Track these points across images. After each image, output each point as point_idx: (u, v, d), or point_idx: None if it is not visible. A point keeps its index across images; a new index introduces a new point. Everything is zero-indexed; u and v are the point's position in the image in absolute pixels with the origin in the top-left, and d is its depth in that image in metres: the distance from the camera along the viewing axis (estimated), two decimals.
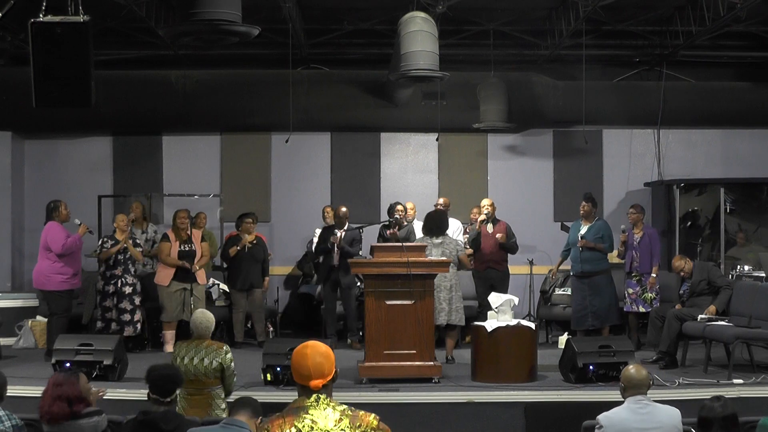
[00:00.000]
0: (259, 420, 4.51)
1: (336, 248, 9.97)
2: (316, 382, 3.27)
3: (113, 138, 12.25)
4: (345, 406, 3.29)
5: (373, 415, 3.31)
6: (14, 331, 10.24)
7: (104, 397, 5.46)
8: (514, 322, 8.06)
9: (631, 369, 4.87)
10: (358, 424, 3.24)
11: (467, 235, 10.40)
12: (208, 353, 6.11)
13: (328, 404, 3.26)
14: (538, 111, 11.81)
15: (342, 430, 3.21)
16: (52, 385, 4.86)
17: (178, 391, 4.94)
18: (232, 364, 6.22)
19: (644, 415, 4.68)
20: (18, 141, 11.96)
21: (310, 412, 3.24)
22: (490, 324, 7.97)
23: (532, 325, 8.25)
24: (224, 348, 6.21)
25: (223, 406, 6.17)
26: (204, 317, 6.34)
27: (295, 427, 3.21)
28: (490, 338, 7.89)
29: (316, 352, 3.34)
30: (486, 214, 9.97)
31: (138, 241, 9.93)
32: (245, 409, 4.55)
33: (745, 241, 11.67)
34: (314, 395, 3.26)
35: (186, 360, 6.08)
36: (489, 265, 9.94)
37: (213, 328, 6.40)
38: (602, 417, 4.75)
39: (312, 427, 3.20)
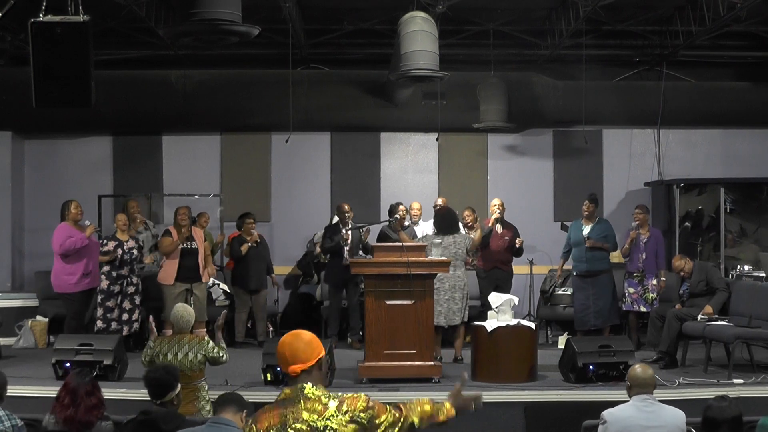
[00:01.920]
0: (244, 414, 4.53)
1: (347, 244, 9.96)
2: (294, 368, 3.23)
3: (113, 138, 12.25)
4: (330, 394, 3.25)
5: (362, 397, 3.27)
6: (14, 331, 10.24)
7: (104, 397, 5.45)
8: (514, 322, 8.07)
9: (638, 368, 4.89)
10: (344, 409, 3.21)
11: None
12: (191, 347, 6.19)
13: (314, 393, 3.24)
14: (538, 111, 11.81)
15: (327, 418, 3.18)
16: (85, 394, 4.82)
17: (173, 394, 4.94)
18: (215, 349, 6.26)
19: (649, 413, 4.69)
20: (18, 141, 11.96)
21: (295, 403, 3.22)
22: (490, 324, 7.97)
23: (532, 325, 8.26)
24: (206, 338, 6.29)
25: (208, 398, 6.23)
26: (185, 311, 6.43)
27: (281, 419, 3.20)
28: (490, 338, 7.90)
29: (294, 339, 3.30)
30: (497, 214, 9.99)
31: (141, 244, 9.96)
32: (230, 406, 4.53)
33: (734, 243, 11.67)
34: (297, 385, 3.25)
35: (170, 356, 6.15)
36: (495, 265, 9.96)
37: (193, 322, 6.50)
38: (606, 413, 4.76)
39: (296, 419, 3.18)
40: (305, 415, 3.17)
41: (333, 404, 3.20)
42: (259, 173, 12.24)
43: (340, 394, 3.27)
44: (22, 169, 12.05)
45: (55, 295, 10.12)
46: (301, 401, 3.20)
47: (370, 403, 3.26)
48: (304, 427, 3.16)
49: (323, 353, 3.32)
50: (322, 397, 3.22)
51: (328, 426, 3.16)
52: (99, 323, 9.45)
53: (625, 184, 12.37)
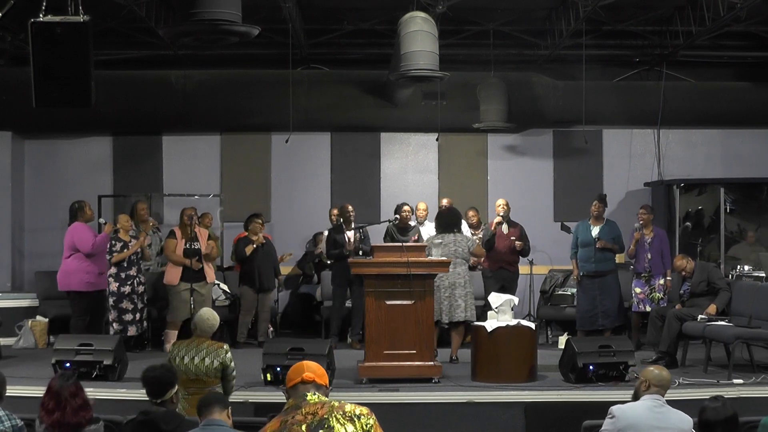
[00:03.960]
0: (229, 410, 4.53)
1: (351, 252, 9.93)
2: (308, 375, 3.32)
3: (113, 138, 12.25)
4: (336, 402, 3.29)
5: (367, 409, 3.30)
6: (14, 331, 10.22)
7: (104, 397, 5.44)
8: (514, 322, 8.07)
9: (655, 369, 4.90)
10: (346, 409, 3.24)
11: (476, 236, 10.37)
12: (209, 353, 6.12)
13: (315, 399, 3.27)
14: (538, 111, 11.81)
15: (325, 416, 3.21)
16: (70, 396, 4.77)
17: (172, 392, 4.92)
18: (233, 363, 6.23)
19: (658, 414, 4.67)
20: (18, 141, 11.96)
21: (296, 409, 3.25)
22: (490, 324, 7.97)
23: (532, 325, 8.25)
24: (224, 347, 6.22)
25: None
26: (211, 315, 6.34)
27: (281, 425, 3.23)
28: (490, 338, 7.89)
29: (309, 361, 3.49)
30: (502, 215, 9.99)
31: (149, 243, 9.97)
32: (215, 405, 4.49)
33: (755, 241, 11.57)
34: (301, 395, 3.28)
35: (186, 359, 6.08)
36: (501, 265, 9.97)
37: (216, 328, 6.41)
38: (616, 408, 4.73)
39: (296, 420, 3.22)
40: (304, 415, 3.20)
41: (335, 404, 3.23)
42: (259, 173, 12.24)
43: (340, 401, 3.31)
44: (22, 169, 12.05)
45: (56, 294, 10.12)
46: (302, 407, 3.23)
47: (374, 418, 3.28)
48: (303, 428, 3.18)
49: (329, 388, 3.46)
50: (324, 400, 3.26)
51: (326, 422, 3.18)
52: (115, 326, 9.43)
53: (625, 184, 12.37)
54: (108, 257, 9.46)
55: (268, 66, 11.73)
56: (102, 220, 9.48)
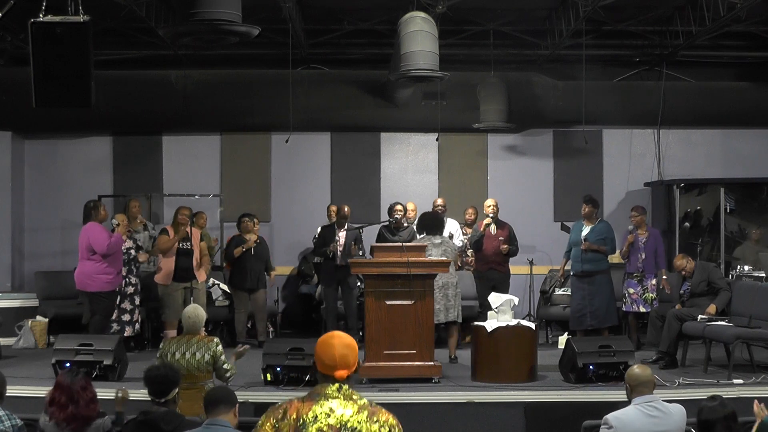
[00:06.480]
0: (236, 408, 4.50)
1: (337, 254, 9.92)
2: (341, 373, 3.28)
3: (113, 138, 12.25)
4: (366, 400, 3.28)
5: (393, 416, 3.30)
6: (14, 331, 10.23)
7: (104, 397, 5.44)
8: (514, 322, 8.07)
9: (636, 368, 4.82)
10: (375, 419, 3.23)
11: (466, 236, 10.41)
12: (199, 347, 6.20)
13: (350, 395, 3.27)
14: (538, 111, 11.81)
15: (358, 422, 3.21)
16: (81, 390, 4.79)
17: (174, 392, 4.92)
18: (224, 356, 6.31)
19: (655, 417, 4.61)
20: (18, 141, 11.96)
21: (330, 399, 3.25)
22: (490, 324, 7.97)
23: (532, 325, 8.26)
24: (215, 340, 6.30)
25: None
26: (195, 312, 6.42)
27: (313, 411, 3.22)
28: (490, 338, 7.89)
29: (342, 342, 3.33)
30: (491, 216, 10.02)
31: (140, 243, 9.95)
32: (221, 405, 4.48)
33: (759, 238, 11.53)
34: (336, 384, 3.27)
35: (178, 355, 6.16)
36: (491, 266, 10.01)
37: (203, 324, 6.50)
38: (612, 417, 4.63)
39: (329, 414, 3.21)
40: (338, 412, 3.20)
41: (365, 411, 3.23)
42: (259, 173, 12.24)
43: (374, 403, 3.29)
44: (22, 169, 12.06)
45: (56, 294, 10.14)
46: (338, 398, 3.22)
47: (399, 427, 3.28)
48: (333, 422, 3.19)
49: (359, 365, 3.39)
50: (358, 401, 3.26)
51: (356, 429, 3.19)
52: (114, 325, 9.41)
53: (625, 184, 12.37)
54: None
55: (268, 66, 11.73)
56: (115, 221, 9.45)
